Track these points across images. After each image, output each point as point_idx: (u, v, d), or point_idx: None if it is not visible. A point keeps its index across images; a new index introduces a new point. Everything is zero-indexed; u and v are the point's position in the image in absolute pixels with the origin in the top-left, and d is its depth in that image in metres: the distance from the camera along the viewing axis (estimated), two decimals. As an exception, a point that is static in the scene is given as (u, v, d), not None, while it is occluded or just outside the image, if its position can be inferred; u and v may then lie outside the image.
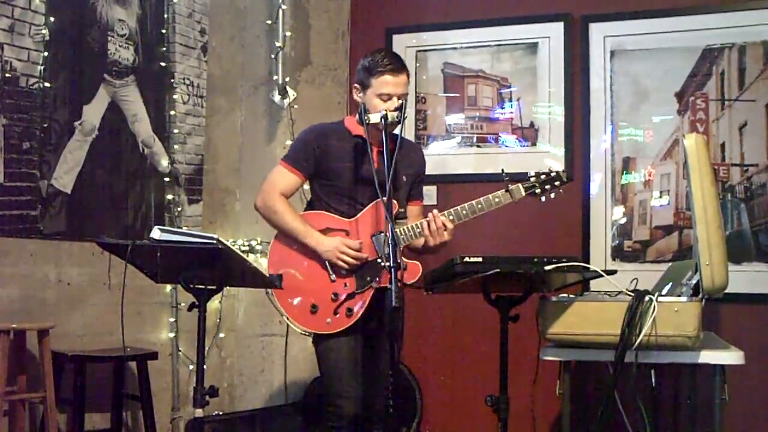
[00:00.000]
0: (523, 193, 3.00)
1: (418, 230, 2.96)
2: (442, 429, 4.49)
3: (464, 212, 2.97)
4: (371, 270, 2.95)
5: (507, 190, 2.97)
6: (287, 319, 2.99)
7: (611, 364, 2.74)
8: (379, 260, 2.91)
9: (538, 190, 3.01)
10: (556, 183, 3.04)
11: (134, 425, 4.02)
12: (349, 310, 2.94)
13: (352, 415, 2.91)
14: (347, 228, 3.01)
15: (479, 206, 2.97)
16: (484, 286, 2.78)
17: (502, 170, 2.96)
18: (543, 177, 3.03)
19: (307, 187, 3.22)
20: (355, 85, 3.07)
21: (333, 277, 2.96)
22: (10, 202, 3.51)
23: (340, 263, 2.93)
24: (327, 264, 2.97)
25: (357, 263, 2.94)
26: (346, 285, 2.96)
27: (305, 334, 3.18)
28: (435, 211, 2.96)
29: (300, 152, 3.07)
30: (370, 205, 3.01)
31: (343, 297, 2.95)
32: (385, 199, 2.69)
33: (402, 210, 3.08)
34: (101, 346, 3.80)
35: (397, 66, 2.99)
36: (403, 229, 2.98)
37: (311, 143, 3.06)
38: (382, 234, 2.93)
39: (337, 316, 2.94)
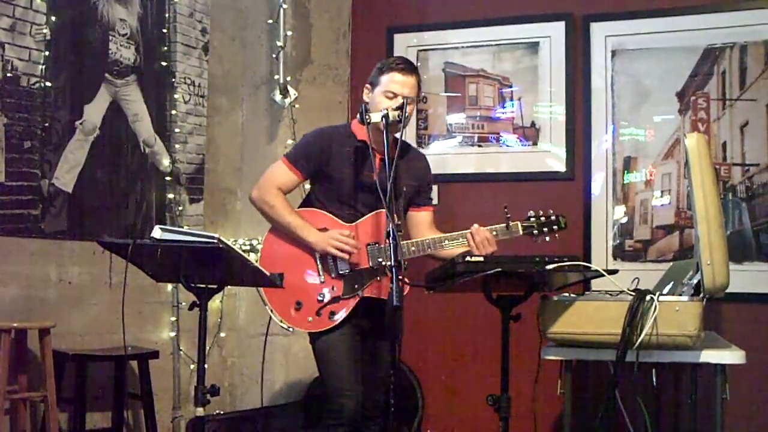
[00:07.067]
0: (521, 233, 3.06)
1: (455, 241, 3.00)
2: (443, 428, 4.49)
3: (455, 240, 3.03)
4: (360, 278, 2.95)
5: (507, 227, 3.03)
6: (270, 310, 2.99)
7: (612, 363, 2.73)
8: (370, 269, 2.93)
9: (535, 231, 3.07)
10: (554, 227, 3.09)
11: (135, 424, 4.03)
12: (332, 313, 2.93)
13: (353, 413, 2.88)
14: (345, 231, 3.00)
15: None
16: (486, 286, 2.78)
17: (505, 206, 3.02)
18: (543, 219, 3.08)
19: (307, 186, 3.22)
20: (366, 84, 3.08)
21: (322, 278, 2.96)
22: (11, 201, 3.52)
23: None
24: (318, 264, 2.97)
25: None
26: (333, 288, 2.96)
27: (285, 329, 3.19)
28: (476, 225, 2.99)
29: (302, 152, 3.08)
30: (372, 213, 3.00)
31: (328, 299, 2.94)
32: (388, 206, 2.69)
33: (399, 222, 3.06)
34: (102, 345, 3.80)
35: (408, 68, 3.01)
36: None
37: (314, 145, 3.07)
38: (377, 245, 2.95)
39: (320, 317, 2.93)
